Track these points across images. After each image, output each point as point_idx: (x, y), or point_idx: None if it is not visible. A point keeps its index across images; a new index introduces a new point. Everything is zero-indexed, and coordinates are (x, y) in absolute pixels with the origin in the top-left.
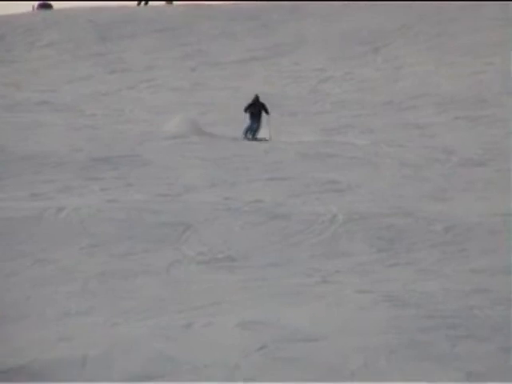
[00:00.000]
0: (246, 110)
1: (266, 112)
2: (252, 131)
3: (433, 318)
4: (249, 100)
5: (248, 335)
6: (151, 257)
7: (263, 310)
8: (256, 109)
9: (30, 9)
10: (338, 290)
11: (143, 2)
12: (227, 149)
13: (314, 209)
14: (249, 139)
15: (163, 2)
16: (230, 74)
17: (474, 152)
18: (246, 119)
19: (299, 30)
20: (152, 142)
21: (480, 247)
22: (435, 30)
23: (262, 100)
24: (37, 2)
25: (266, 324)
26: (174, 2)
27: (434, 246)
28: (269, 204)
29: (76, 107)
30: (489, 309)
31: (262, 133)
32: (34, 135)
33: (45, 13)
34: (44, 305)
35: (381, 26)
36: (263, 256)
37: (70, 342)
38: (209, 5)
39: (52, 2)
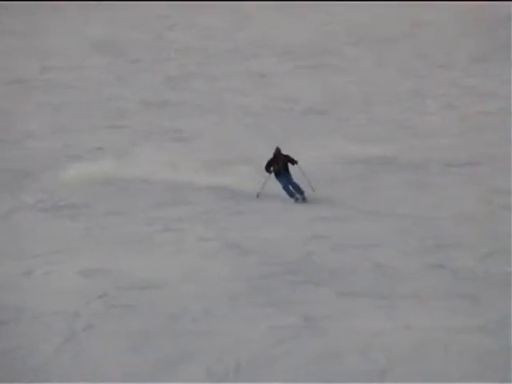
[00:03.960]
0: (267, 169)
1: (293, 162)
2: (295, 188)
3: (273, 265)
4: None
5: (89, 283)
6: None
7: (104, 258)
8: (279, 164)
9: None
10: (180, 238)
11: None
12: (68, 95)
13: (157, 157)
14: (299, 199)
15: None
16: (72, 19)
17: (316, 101)
18: (272, 179)
19: None
20: None
21: (320, 194)
22: None
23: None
24: None
25: (106, 272)
26: None
27: (276, 195)
28: (110, 152)
29: None
30: (326, 255)
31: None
32: None
33: None
34: None
35: None
36: (105, 204)
37: None
38: None
39: None
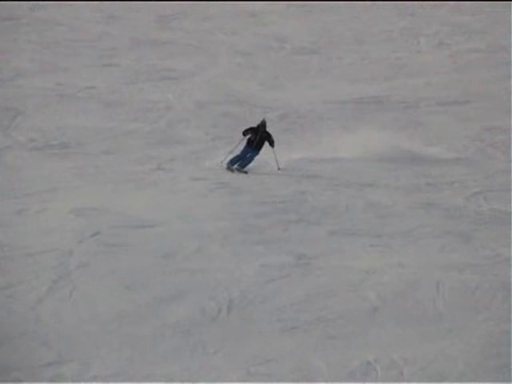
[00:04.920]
0: (244, 132)
1: (271, 144)
2: (239, 160)
3: (266, 204)
4: None
5: (82, 221)
6: None
7: (98, 197)
8: (257, 137)
9: None
10: (173, 178)
11: None
12: (59, 32)
13: (150, 96)
14: (232, 170)
15: None
16: None
17: (307, 40)
18: (239, 145)
19: None
20: None
21: (312, 133)
22: None
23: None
24: None
25: (100, 210)
26: None
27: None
28: (103, 91)
29: None
30: (319, 194)
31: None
32: None
33: None
34: None
35: None
36: (98, 143)
37: None
38: None
39: None
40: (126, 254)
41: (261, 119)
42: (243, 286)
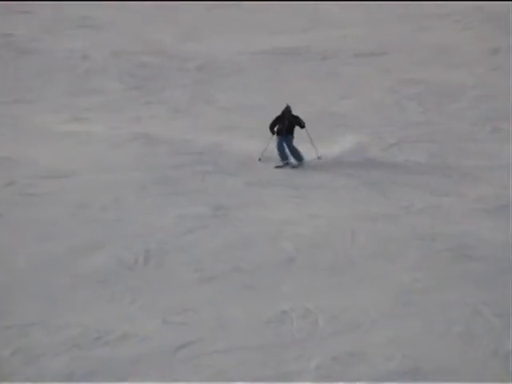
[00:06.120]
0: (271, 128)
1: (301, 125)
2: (292, 154)
3: (183, 155)
4: None
5: None
6: None
7: (11, 147)
8: (285, 125)
9: None
10: (89, 128)
11: None
12: None
13: (67, 45)
14: (292, 166)
15: None
16: None
17: None
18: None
19: None
20: None
21: (228, 85)
22: None
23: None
24: None
25: (14, 161)
26: None
27: (186, 84)
28: (20, 39)
29: None
30: (235, 145)
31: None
32: None
33: None
34: None
35: None
36: (13, 92)
37: None
38: None
39: None
40: (42, 204)
41: (285, 106)
42: (160, 236)
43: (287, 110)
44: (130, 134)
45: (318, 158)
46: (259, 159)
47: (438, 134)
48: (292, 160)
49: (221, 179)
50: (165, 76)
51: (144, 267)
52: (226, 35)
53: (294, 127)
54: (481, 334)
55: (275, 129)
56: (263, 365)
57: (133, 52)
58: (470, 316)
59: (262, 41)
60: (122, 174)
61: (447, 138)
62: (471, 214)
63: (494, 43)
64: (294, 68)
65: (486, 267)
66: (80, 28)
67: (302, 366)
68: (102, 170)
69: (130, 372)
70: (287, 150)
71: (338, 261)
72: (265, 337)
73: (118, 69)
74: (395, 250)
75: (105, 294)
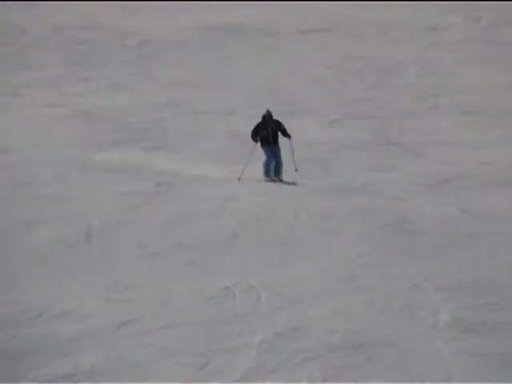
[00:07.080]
0: (254, 134)
1: (284, 134)
2: (275, 168)
3: (125, 131)
4: None
5: None
6: None
7: None
8: (267, 131)
9: None
10: (29, 104)
11: None
12: None
13: (3, 19)
14: (275, 181)
15: None
16: None
17: None
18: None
19: None
20: None
21: (171, 60)
22: None
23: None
24: None
25: None
26: None
27: (127, 60)
28: None
29: None
30: (179, 121)
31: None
32: None
33: None
34: None
35: None
36: None
37: None
38: None
39: None
40: None
41: (265, 111)
42: (102, 213)
43: (268, 115)
44: (71, 111)
45: (296, 170)
46: (238, 179)
47: (380, 110)
48: (281, 176)
49: (163, 155)
50: (106, 51)
51: (86, 244)
52: (168, 11)
53: (277, 134)
54: (420, 307)
55: (257, 138)
56: (206, 340)
57: (73, 27)
58: (410, 290)
59: (206, 17)
60: (62, 152)
61: (389, 115)
62: (412, 190)
63: (433, 20)
64: (238, 44)
65: (427, 241)
66: (18, 2)
67: (245, 341)
68: (42, 146)
69: (70, 349)
70: (272, 166)
71: (281, 236)
72: (208, 313)
73: (58, 44)
74: (338, 226)
75: (46, 271)
